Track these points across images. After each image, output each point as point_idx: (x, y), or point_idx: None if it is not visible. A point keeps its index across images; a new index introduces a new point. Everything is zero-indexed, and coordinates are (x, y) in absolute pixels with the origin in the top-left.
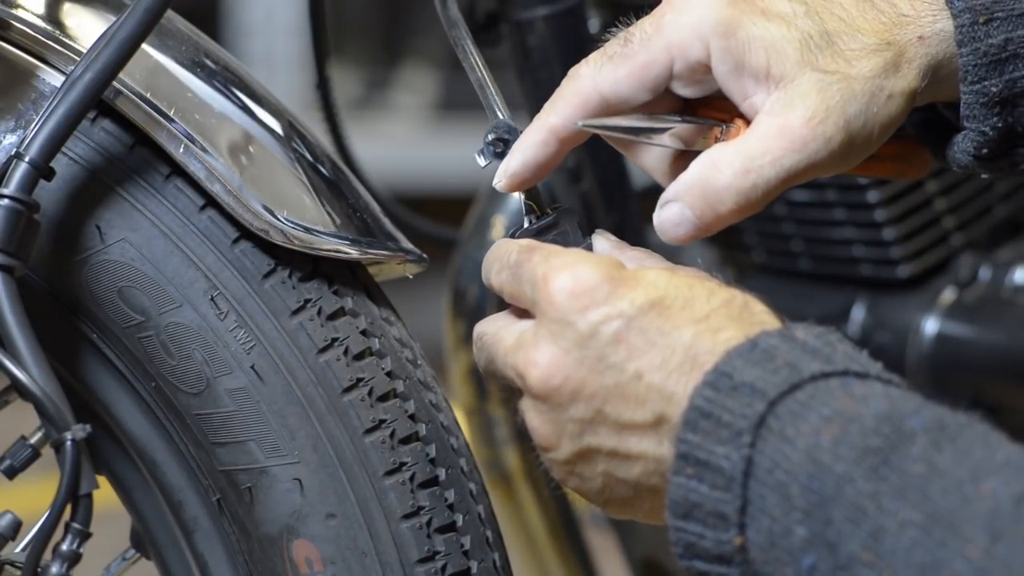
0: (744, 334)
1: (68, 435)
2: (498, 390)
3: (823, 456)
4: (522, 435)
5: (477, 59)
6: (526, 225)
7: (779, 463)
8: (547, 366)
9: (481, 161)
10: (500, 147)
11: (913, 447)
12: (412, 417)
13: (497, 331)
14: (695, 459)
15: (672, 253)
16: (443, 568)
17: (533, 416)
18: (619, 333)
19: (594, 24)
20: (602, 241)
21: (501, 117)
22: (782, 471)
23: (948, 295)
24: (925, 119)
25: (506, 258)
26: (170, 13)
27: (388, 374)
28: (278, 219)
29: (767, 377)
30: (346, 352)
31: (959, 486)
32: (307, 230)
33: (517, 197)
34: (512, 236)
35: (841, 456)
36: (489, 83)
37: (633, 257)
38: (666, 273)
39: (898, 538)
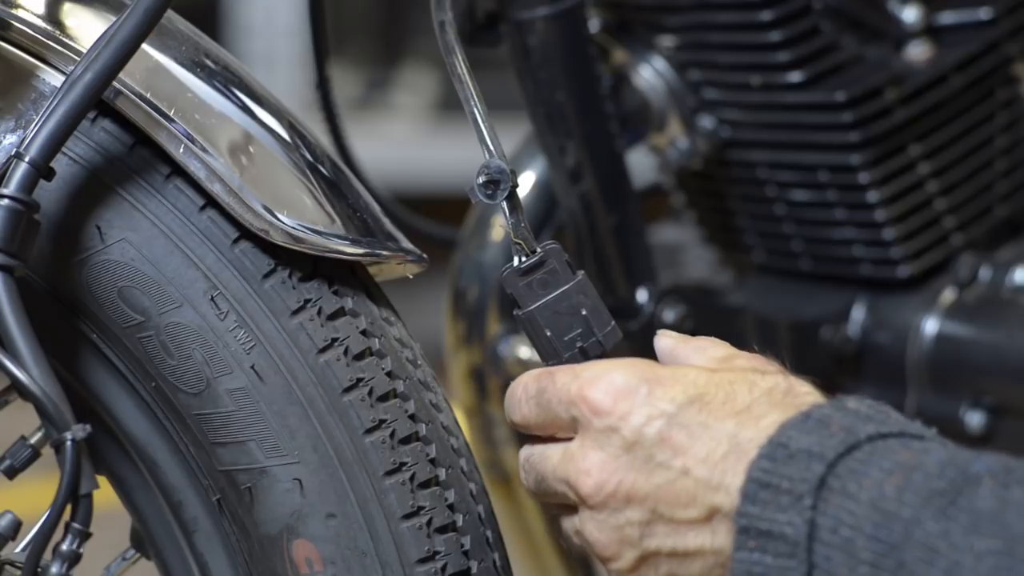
0: (789, 415)
1: (68, 435)
2: (550, 512)
3: (888, 504)
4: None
5: (473, 91)
6: (515, 264)
7: (843, 520)
8: (599, 472)
9: (473, 199)
10: (491, 190)
11: (980, 488)
12: (412, 417)
13: (543, 451)
14: (756, 531)
15: (672, 255)
16: (443, 568)
17: (592, 528)
18: (662, 432)
19: (594, 24)
20: (665, 339)
21: (494, 157)
22: (847, 527)
23: (948, 295)
24: None
25: (524, 392)
26: (170, 13)
27: (388, 374)
28: (278, 219)
29: (824, 442)
30: (346, 352)
31: None
32: (307, 230)
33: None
34: (501, 275)
35: (906, 502)
36: (483, 117)
37: (697, 347)
38: (706, 372)
39: (976, 569)
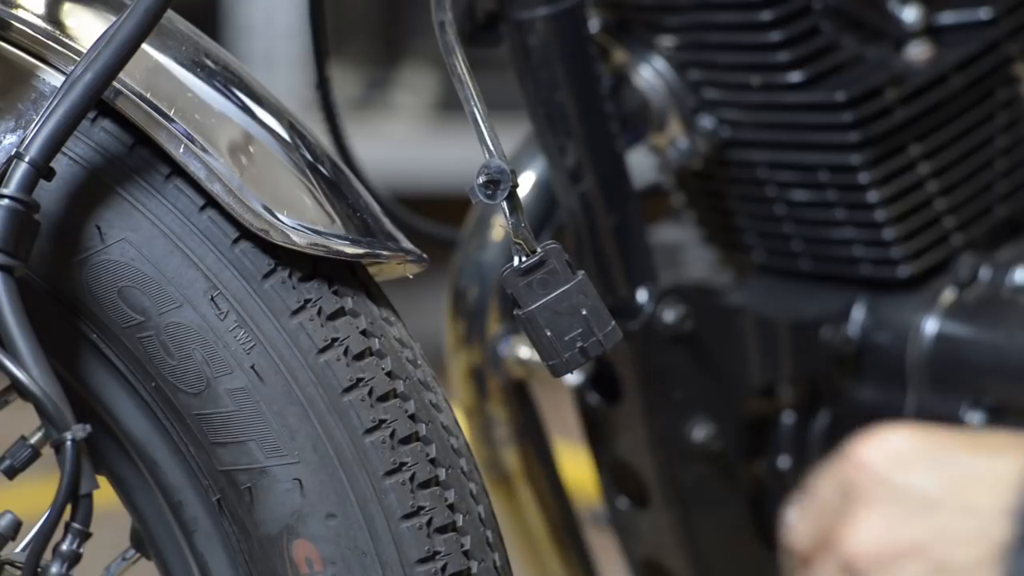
0: None
1: (68, 435)
2: None
3: None
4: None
5: (473, 91)
6: (515, 264)
7: None
8: (877, 533)
9: (473, 199)
10: (491, 190)
11: None
12: (412, 417)
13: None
14: None
15: (672, 255)
16: (443, 568)
17: None
18: (931, 475)
19: (594, 24)
20: None
21: (494, 157)
22: None
23: (948, 295)
24: None
25: (786, 522)
26: (170, 13)
27: (388, 374)
28: (278, 219)
29: None
30: (346, 352)
31: None
32: (307, 230)
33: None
34: (501, 275)
35: None
36: (483, 117)
37: None
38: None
39: None
